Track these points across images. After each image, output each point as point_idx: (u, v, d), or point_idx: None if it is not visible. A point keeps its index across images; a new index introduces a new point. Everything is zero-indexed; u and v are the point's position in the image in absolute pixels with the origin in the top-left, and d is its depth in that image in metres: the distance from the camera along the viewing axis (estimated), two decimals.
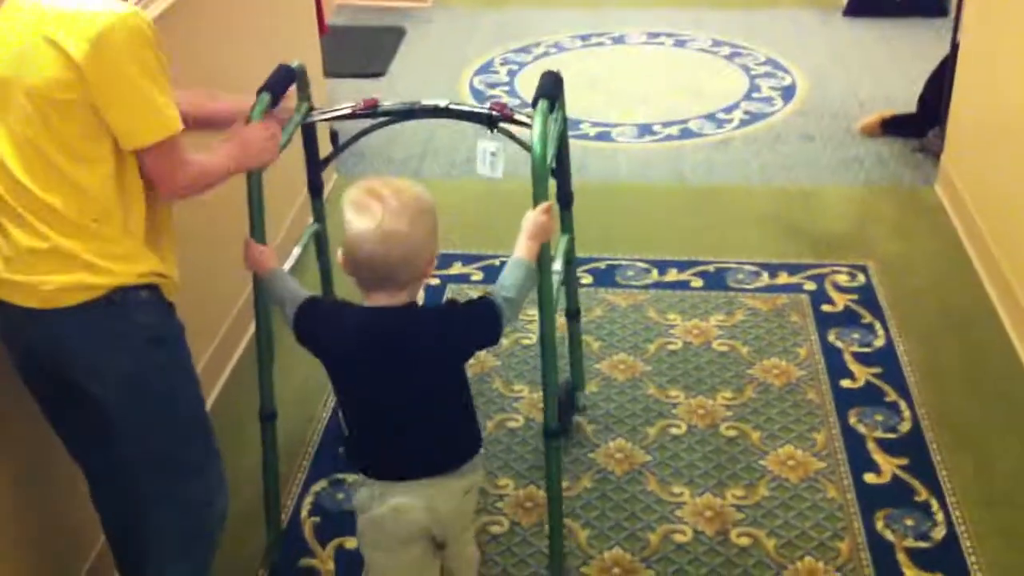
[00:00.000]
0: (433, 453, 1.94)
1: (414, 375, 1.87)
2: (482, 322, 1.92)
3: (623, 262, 3.61)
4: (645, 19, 5.79)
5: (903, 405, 2.93)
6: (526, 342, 3.22)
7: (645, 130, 4.58)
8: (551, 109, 2.18)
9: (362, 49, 5.40)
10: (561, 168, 2.48)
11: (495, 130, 2.32)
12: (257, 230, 2.21)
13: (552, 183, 2.26)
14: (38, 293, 1.84)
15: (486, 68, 5.14)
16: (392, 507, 1.93)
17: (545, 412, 2.29)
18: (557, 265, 2.38)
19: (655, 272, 3.55)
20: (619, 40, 5.56)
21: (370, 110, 2.32)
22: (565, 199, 2.56)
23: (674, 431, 2.86)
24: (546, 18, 5.85)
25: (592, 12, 5.90)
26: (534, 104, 2.16)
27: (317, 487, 2.72)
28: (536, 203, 2.09)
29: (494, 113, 2.29)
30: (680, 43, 5.50)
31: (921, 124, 4.35)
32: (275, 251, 2.16)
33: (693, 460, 2.76)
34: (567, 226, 2.60)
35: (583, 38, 5.54)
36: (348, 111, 2.34)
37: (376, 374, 1.87)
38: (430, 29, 5.74)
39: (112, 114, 1.78)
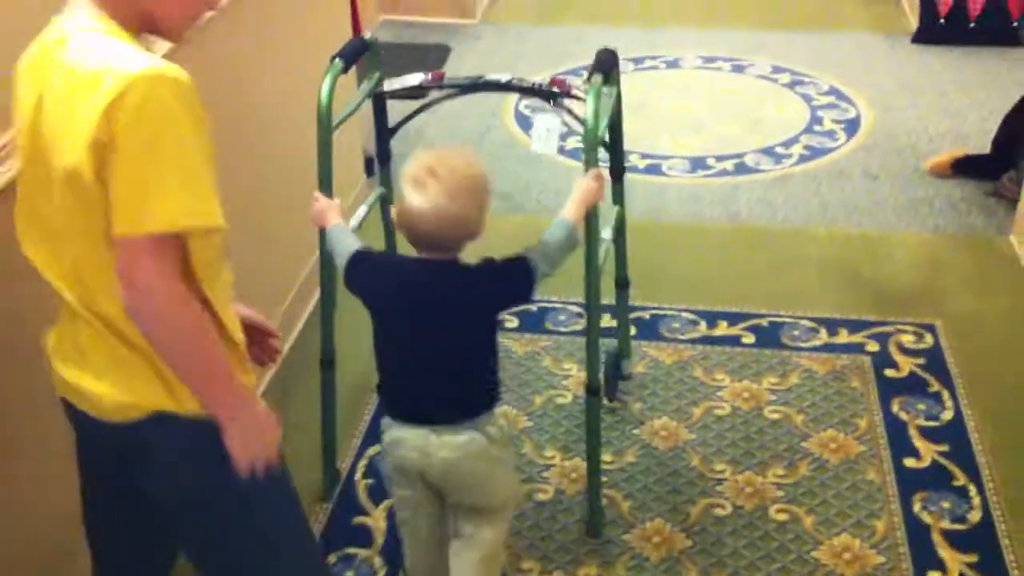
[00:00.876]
0: (438, 403, 2.03)
1: (445, 324, 1.97)
2: (515, 277, 2.02)
3: (669, 312, 3.36)
4: (702, 41, 5.52)
5: (973, 490, 2.65)
6: (560, 401, 2.98)
7: (698, 164, 4.32)
8: (605, 83, 2.32)
9: (404, 69, 5.15)
10: (614, 142, 2.63)
11: (553, 102, 2.45)
12: (325, 185, 2.38)
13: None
14: (99, 405, 1.61)
15: None
16: (390, 439, 2.07)
17: (588, 370, 2.44)
18: (606, 233, 2.54)
19: (703, 325, 3.30)
20: (673, 64, 5.29)
21: (438, 82, 2.47)
22: (617, 172, 2.70)
23: (718, 512, 2.60)
24: (598, 37, 5.55)
25: (647, 32, 5.64)
26: (589, 78, 2.29)
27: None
28: (587, 170, 2.22)
29: (554, 89, 2.43)
30: (738, 68, 5.22)
31: (995, 166, 4.05)
32: (339, 206, 2.22)
33: (738, 548, 2.50)
34: (618, 198, 2.73)
35: (636, 61, 5.28)
36: (417, 83, 2.46)
37: (410, 320, 1.99)
38: (477, 47, 5.51)
39: (110, 194, 1.44)
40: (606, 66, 2.34)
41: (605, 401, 2.86)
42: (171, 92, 1.43)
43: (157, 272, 1.45)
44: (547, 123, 2.43)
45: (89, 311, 1.55)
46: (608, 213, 2.63)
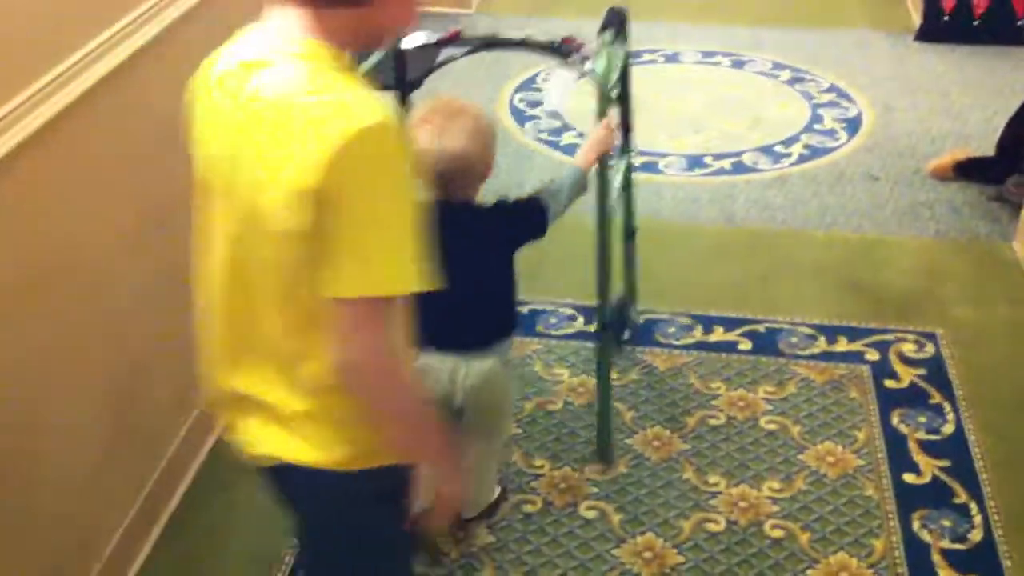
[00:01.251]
0: (466, 332, 2.18)
1: (464, 260, 2.01)
2: (529, 215, 2.19)
3: (664, 316, 3.27)
4: (701, 35, 5.43)
5: (974, 508, 2.57)
6: (551, 407, 2.90)
7: (695, 162, 4.23)
8: (614, 39, 2.44)
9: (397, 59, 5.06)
10: (623, 98, 2.77)
11: (568, 59, 2.53)
12: None
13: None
14: (248, 452, 1.58)
15: (528, 84, 4.80)
16: (419, 367, 2.10)
17: (599, 310, 2.59)
18: (616, 182, 2.66)
19: (699, 330, 3.21)
20: (672, 58, 5.20)
21: (453, 38, 2.56)
22: (625, 127, 2.85)
23: (711, 527, 2.52)
24: (596, 30, 5.49)
25: (645, 26, 5.52)
26: (599, 34, 2.42)
27: None
28: (599, 119, 2.38)
29: (565, 46, 2.52)
30: (738, 64, 5.13)
31: (999, 169, 3.96)
32: None
33: (731, 565, 2.42)
34: (625, 149, 2.88)
35: (634, 55, 5.17)
36: (435, 39, 2.56)
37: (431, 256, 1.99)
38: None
39: (328, 250, 1.34)
40: (616, 23, 2.46)
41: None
42: (395, 144, 1.32)
43: (375, 333, 1.37)
44: (563, 79, 2.65)
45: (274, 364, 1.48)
46: (617, 165, 2.79)
